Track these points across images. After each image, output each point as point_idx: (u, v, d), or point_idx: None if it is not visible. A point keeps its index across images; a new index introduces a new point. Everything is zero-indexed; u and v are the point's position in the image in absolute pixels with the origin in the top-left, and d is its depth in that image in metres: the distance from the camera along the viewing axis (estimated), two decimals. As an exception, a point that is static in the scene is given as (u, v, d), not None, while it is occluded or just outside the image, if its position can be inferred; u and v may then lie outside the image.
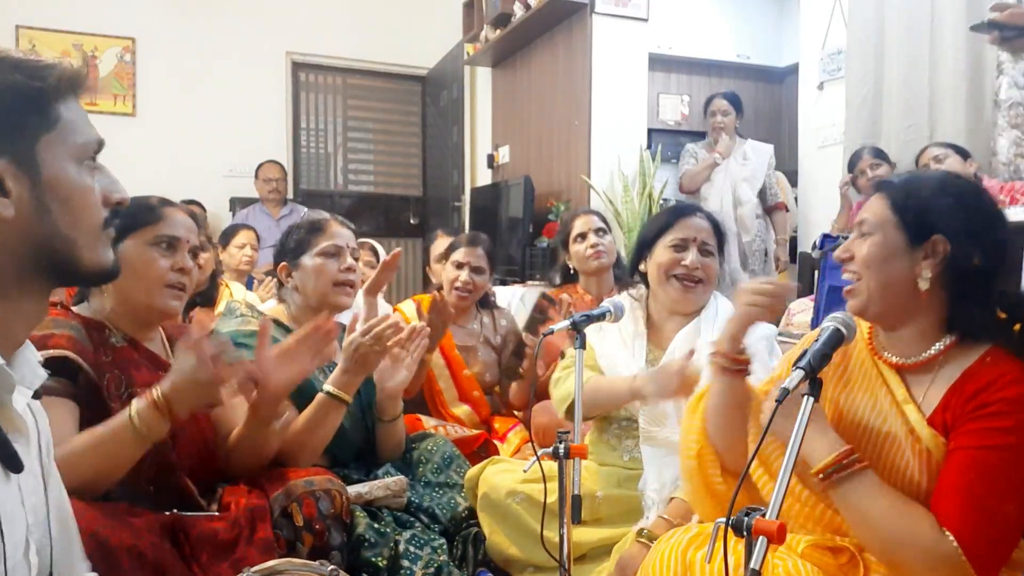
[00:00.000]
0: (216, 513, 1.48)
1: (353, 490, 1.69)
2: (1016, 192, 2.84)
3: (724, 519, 0.95)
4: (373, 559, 1.57)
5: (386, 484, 1.77)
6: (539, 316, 2.73)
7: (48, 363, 1.27)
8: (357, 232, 2.09)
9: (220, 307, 2.85)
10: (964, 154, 3.10)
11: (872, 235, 1.21)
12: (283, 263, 1.96)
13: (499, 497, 1.78)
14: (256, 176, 5.39)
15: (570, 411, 1.83)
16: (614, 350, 1.86)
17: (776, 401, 1.06)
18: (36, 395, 0.88)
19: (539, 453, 1.44)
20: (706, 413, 1.38)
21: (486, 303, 2.84)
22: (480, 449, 2.27)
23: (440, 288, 2.69)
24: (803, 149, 4.26)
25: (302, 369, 1.57)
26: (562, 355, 2.08)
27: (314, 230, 1.94)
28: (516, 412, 2.70)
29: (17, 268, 0.81)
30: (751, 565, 0.91)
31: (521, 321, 2.85)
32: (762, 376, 1.70)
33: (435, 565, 1.63)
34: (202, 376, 1.30)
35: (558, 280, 2.89)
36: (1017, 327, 1.16)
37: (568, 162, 4.48)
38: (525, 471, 1.64)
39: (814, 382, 1.09)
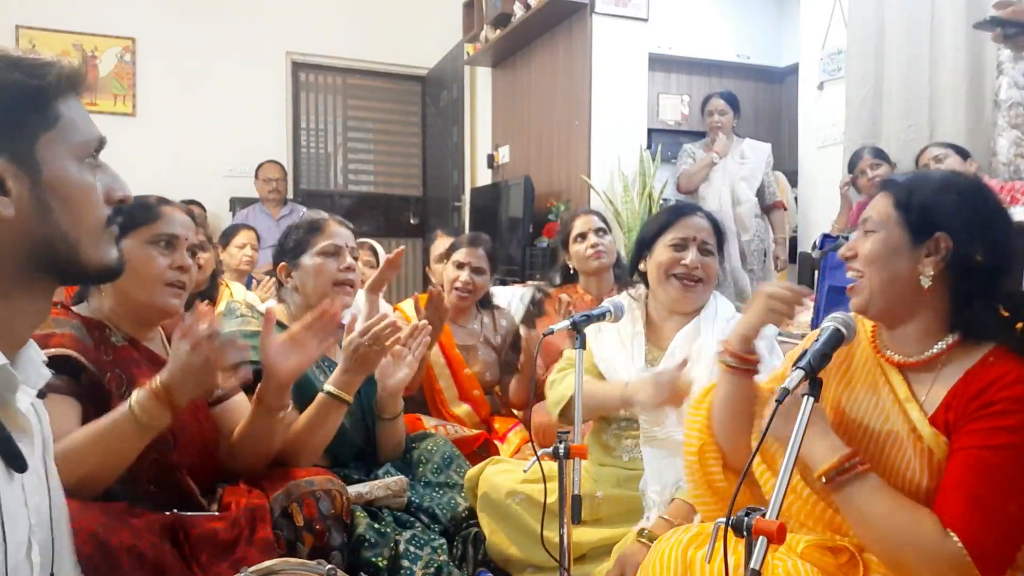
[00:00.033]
0: (216, 513, 1.48)
1: (353, 490, 1.69)
2: (1016, 192, 2.83)
3: (724, 519, 0.95)
4: (373, 559, 1.57)
5: (386, 484, 1.77)
6: (534, 309, 2.73)
7: (51, 361, 1.28)
8: (357, 232, 2.09)
9: (220, 307, 2.85)
10: (964, 154, 3.10)
11: (875, 232, 1.21)
12: (282, 263, 1.96)
13: (499, 497, 1.78)
14: (256, 176, 5.39)
15: (564, 414, 1.84)
16: (612, 352, 1.86)
17: (776, 401, 1.06)
18: (40, 394, 0.88)
19: (539, 453, 1.44)
20: (711, 410, 1.38)
21: (486, 303, 2.84)
22: (480, 449, 2.27)
23: (439, 287, 2.69)
24: (803, 149, 4.26)
25: (309, 355, 1.58)
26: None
27: (313, 230, 1.94)
28: (516, 411, 2.70)
29: (19, 267, 0.81)
30: (751, 565, 0.91)
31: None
32: (762, 376, 1.71)
33: (435, 565, 1.63)
34: (196, 360, 1.30)
35: (558, 280, 2.89)
36: (1020, 326, 1.15)
37: (568, 162, 4.48)
38: (525, 471, 1.64)
39: (814, 382, 1.09)
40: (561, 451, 1.41)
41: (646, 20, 4.27)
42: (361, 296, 2.30)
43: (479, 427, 2.56)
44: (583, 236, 2.74)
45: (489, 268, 2.72)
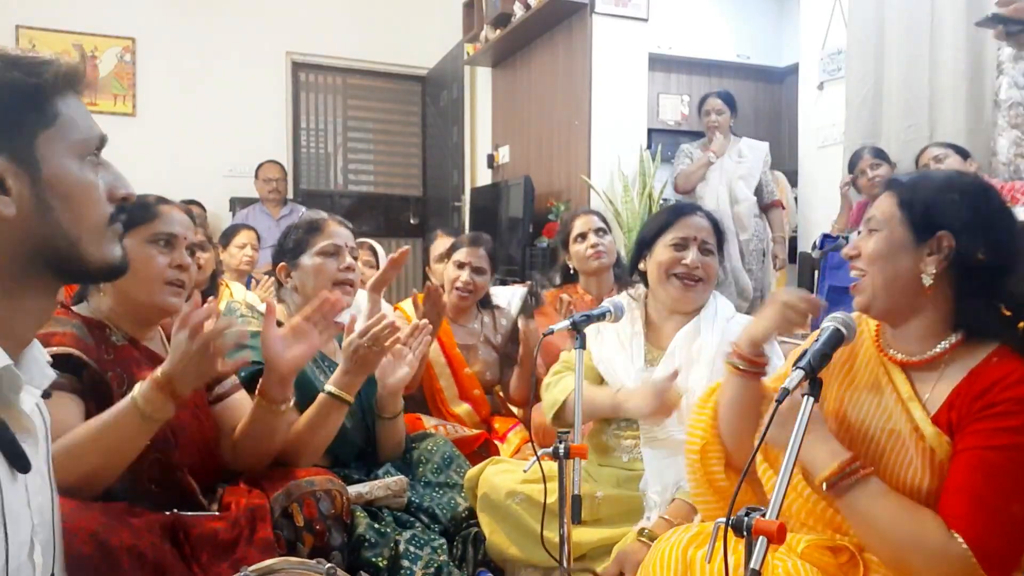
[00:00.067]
0: (216, 513, 1.48)
1: (353, 490, 1.69)
2: (1016, 192, 2.84)
3: (724, 519, 0.95)
4: (373, 559, 1.57)
5: (386, 484, 1.77)
6: (532, 301, 2.72)
7: (53, 359, 1.28)
8: (357, 232, 2.08)
9: (220, 307, 2.85)
10: (964, 154, 3.10)
11: (879, 232, 1.21)
12: (282, 263, 1.96)
13: (499, 497, 1.78)
14: (256, 176, 5.39)
15: (557, 418, 1.84)
16: (611, 352, 1.86)
17: (776, 401, 1.06)
18: (45, 395, 0.88)
19: (539, 453, 1.44)
20: (717, 410, 1.38)
21: (487, 303, 2.84)
22: (480, 449, 2.27)
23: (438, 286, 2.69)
24: (803, 149, 4.26)
25: (310, 346, 1.58)
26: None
27: (312, 230, 1.94)
28: (515, 409, 2.70)
29: (21, 266, 0.80)
30: (751, 565, 0.91)
31: (522, 321, 2.85)
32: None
33: (435, 565, 1.62)
34: (196, 345, 1.30)
35: (558, 280, 2.89)
36: (1022, 325, 1.15)
37: (568, 162, 4.48)
38: (525, 471, 1.64)
39: (814, 382, 1.09)
40: (561, 451, 1.41)
41: (646, 20, 4.28)
42: (361, 296, 2.30)
43: (479, 427, 2.56)
44: (583, 236, 2.74)
45: (490, 268, 2.72)
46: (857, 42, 3.67)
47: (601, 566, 1.63)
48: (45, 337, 1.32)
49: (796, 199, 4.42)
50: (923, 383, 1.19)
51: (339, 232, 1.95)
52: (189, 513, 1.42)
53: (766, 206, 4.12)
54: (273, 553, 1.34)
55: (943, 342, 1.18)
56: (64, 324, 1.39)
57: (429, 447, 1.99)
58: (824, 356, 1.13)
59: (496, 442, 2.43)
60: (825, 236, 3.50)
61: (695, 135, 4.79)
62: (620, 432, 1.83)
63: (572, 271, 2.82)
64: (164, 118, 5.53)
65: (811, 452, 1.15)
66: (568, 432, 1.47)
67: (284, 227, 2.14)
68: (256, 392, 1.57)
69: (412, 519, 1.76)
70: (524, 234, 4.42)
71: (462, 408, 2.62)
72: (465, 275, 2.67)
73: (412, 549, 1.64)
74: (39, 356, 0.87)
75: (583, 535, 1.67)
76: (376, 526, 1.63)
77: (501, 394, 2.76)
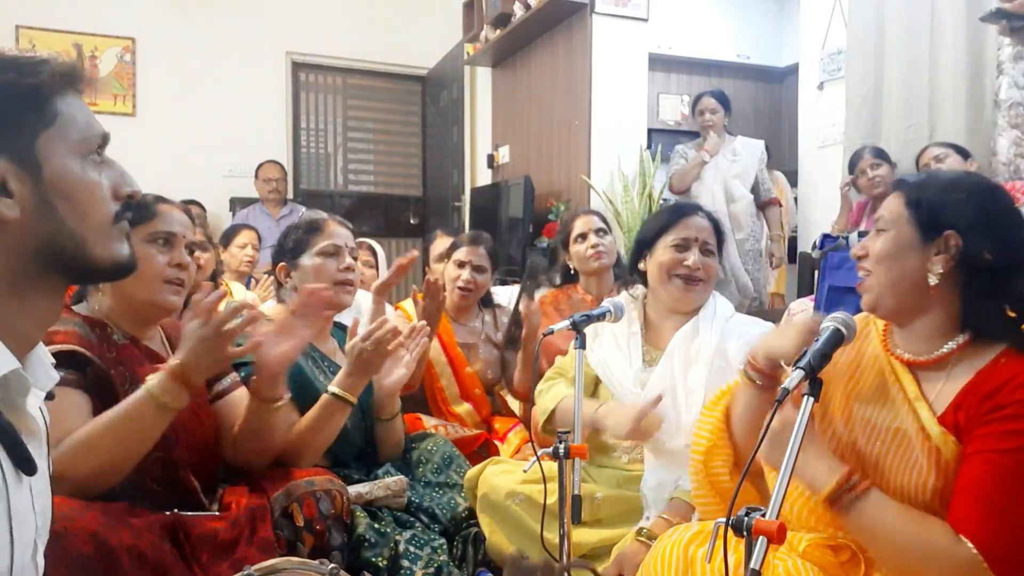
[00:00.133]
0: (217, 513, 1.48)
1: (353, 490, 1.69)
2: (1016, 192, 2.84)
3: (724, 519, 0.95)
4: (373, 559, 1.57)
5: (386, 484, 1.77)
6: (531, 283, 2.72)
7: (57, 357, 1.28)
8: (357, 232, 2.08)
9: (220, 307, 2.85)
10: (964, 154, 3.10)
11: (887, 231, 1.21)
12: (282, 263, 1.96)
13: (499, 498, 1.78)
14: (256, 176, 5.39)
15: (546, 427, 1.84)
16: (608, 355, 1.86)
17: (776, 401, 1.06)
18: (48, 396, 0.88)
19: (539, 453, 1.44)
20: (727, 413, 1.37)
21: (488, 302, 2.84)
22: (480, 449, 2.27)
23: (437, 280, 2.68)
24: (803, 149, 4.26)
25: (299, 341, 1.56)
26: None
27: (312, 230, 1.94)
28: (515, 409, 2.70)
29: (28, 268, 0.80)
30: (751, 565, 0.91)
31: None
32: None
33: (435, 565, 1.63)
34: (208, 332, 1.32)
35: (558, 280, 2.89)
36: None
37: (568, 162, 4.48)
38: (525, 471, 1.64)
39: (814, 382, 1.09)
40: (561, 451, 1.41)
41: (646, 20, 4.28)
42: (361, 295, 2.30)
43: (480, 426, 2.56)
44: (583, 236, 2.74)
45: (490, 266, 2.72)
46: (857, 42, 3.67)
47: (601, 567, 1.63)
48: (48, 336, 1.32)
49: (796, 199, 4.42)
50: (930, 383, 1.19)
51: (339, 232, 1.95)
52: (189, 513, 1.43)
53: (763, 204, 4.12)
54: (273, 553, 1.34)
55: (950, 342, 1.18)
56: (66, 323, 1.40)
57: (429, 447, 1.99)
58: (824, 356, 1.12)
59: (496, 442, 2.43)
60: (825, 236, 3.50)
61: (695, 135, 4.79)
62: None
63: (572, 271, 2.82)
64: (164, 118, 5.53)
65: (809, 470, 1.15)
66: (568, 432, 1.47)
67: (284, 227, 2.14)
68: (250, 391, 1.57)
69: (412, 519, 1.76)
70: (524, 234, 4.42)
71: (463, 408, 2.62)
72: (466, 274, 2.67)
73: (412, 549, 1.64)
74: (43, 357, 0.87)
75: (583, 536, 1.67)
76: (376, 526, 1.63)
77: (502, 393, 2.76)
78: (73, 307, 1.50)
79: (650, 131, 5.02)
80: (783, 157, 5.54)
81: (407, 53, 6.21)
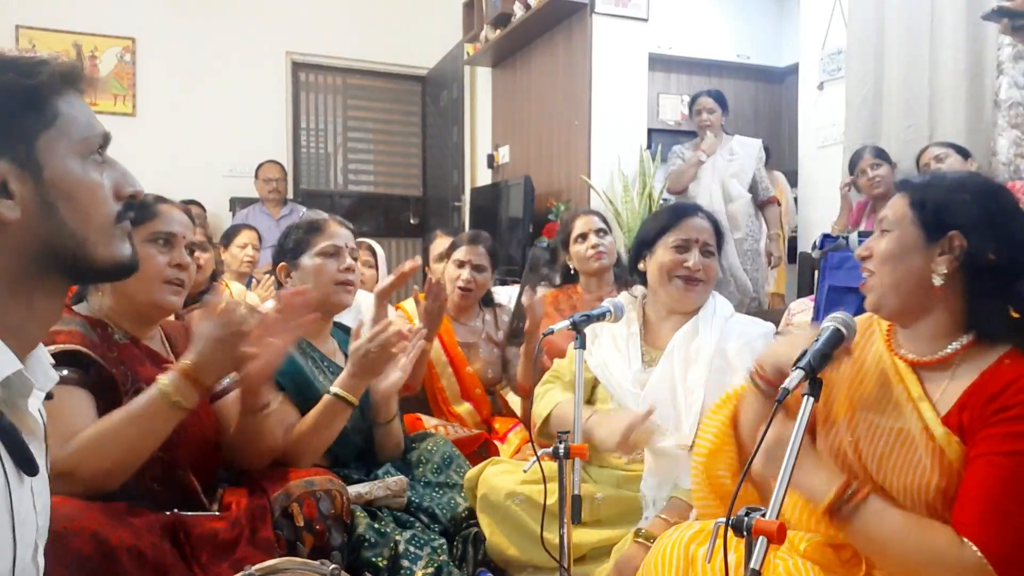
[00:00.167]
0: (217, 513, 1.48)
1: (353, 490, 1.69)
2: (1016, 192, 2.84)
3: (724, 519, 0.95)
4: (373, 559, 1.57)
5: (386, 484, 1.77)
6: (533, 276, 2.72)
7: (60, 356, 1.29)
8: (356, 232, 2.08)
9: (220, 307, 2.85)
10: (964, 154, 3.10)
11: (891, 232, 1.21)
12: (282, 263, 1.96)
13: (498, 498, 1.78)
14: (256, 176, 5.39)
15: (543, 430, 1.84)
16: (607, 355, 1.86)
17: (776, 401, 1.06)
18: (47, 396, 0.88)
19: (539, 453, 1.44)
20: (733, 417, 1.36)
21: (488, 301, 2.84)
22: (480, 449, 2.27)
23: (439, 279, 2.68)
24: (803, 149, 4.26)
25: (283, 343, 1.53)
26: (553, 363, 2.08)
27: (313, 230, 1.94)
28: (516, 409, 2.69)
29: (29, 269, 0.80)
30: (751, 565, 0.91)
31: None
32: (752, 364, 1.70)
33: (435, 565, 1.62)
34: (222, 333, 1.33)
35: (558, 280, 2.89)
36: None
37: (568, 162, 4.48)
38: (525, 471, 1.64)
39: (814, 382, 1.09)
40: (561, 451, 1.41)
41: (646, 20, 4.28)
42: (362, 296, 2.30)
43: (480, 426, 2.56)
44: (584, 236, 2.74)
45: (490, 265, 2.72)
46: (857, 42, 3.67)
47: (601, 567, 1.63)
48: (50, 335, 1.33)
49: (796, 199, 4.42)
50: (933, 383, 1.19)
51: (339, 233, 1.95)
52: (189, 513, 1.43)
53: (762, 203, 4.12)
54: (273, 553, 1.34)
55: (954, 343, 1.18)
56: (68, 323, 1.40)
57: (429, 447, 1.99)
58: (824, 356, 1.12)
59: (496, 442, 2.43)
60: (825, 236, 3.49)
61: (695, 135, 4.80)
62: (620, 432, 1.83)
63: (572, 271, 2.82)
64: (164, 118, 5.53)
65: (808, 481, 1.15)
66: (568, 432, 1.47)
67: (284, 227, 2.13)
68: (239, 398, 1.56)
69: (412, 519, 1.76)
70: (524, 234, 4.42)
71: (463, 408, 2.62)
72: (466, 273, 2.67)
73: (412, 549, 1.64)
74: (43, 358, 0.86)
75: (583, 536, 1.67)
76: (376, 526, 1.63)
77: (503, 393, 2.76)
78: (73, 307, 1.50)
79: (650, 131, 5.02)
80: (783, 157, 5.54)
81: (407, 53, 6.21)
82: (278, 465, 1.63)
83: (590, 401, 1.88)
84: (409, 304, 2.76)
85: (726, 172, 4.02)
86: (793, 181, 4.46)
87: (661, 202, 4.09)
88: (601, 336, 1.89)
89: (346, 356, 1.98)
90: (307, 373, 1.82)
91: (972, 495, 1.08)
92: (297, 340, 1.69)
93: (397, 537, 1.64)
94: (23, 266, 0.79)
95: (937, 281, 1.16)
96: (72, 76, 0.83)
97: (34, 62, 0.80)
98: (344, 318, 2.15)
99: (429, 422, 2.43)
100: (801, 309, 3.04)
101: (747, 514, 0.93)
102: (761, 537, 0.91)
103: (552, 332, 1.64)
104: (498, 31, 4.94)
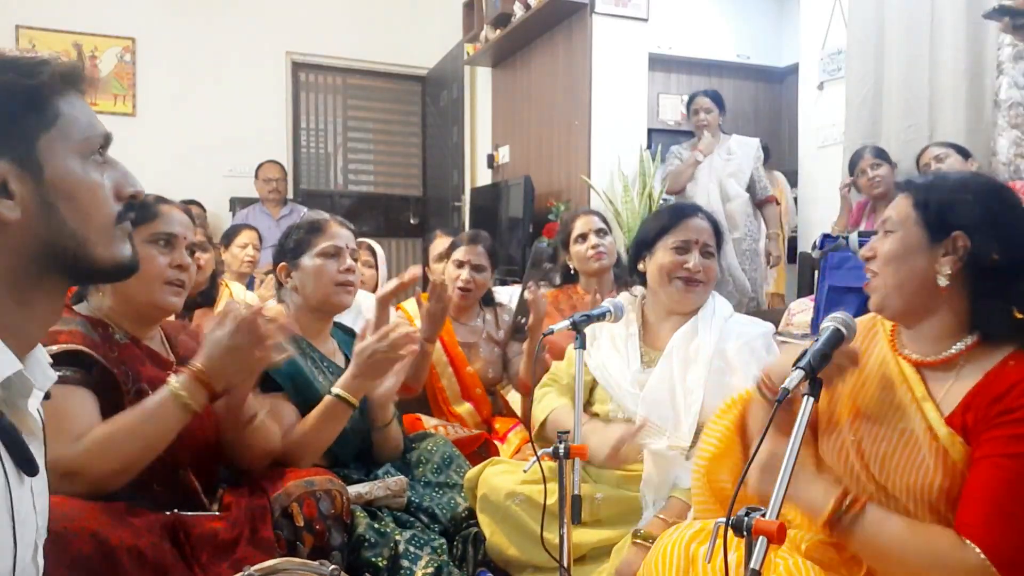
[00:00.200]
0: (217, 513, 1.48)
1: (353, 490, 1.69)
2: (1017, 192, 2.83)
3: (724, 519, 0.95)
4: (373, 559, 1.57)
5: (386, 484, 1.77)
6: (536, 271, 2.71)
7: (63, 356, 1.29)
8: (357, 232, 2.08)
9: (220, 307, 2.85)
10: (965, 154, 3.10)
11: (894, 232, 1.21)
12: (282, 263, 1.96)
13: (498, 498, 1.78)
14: (256, 176, 5.39)
15: (540, 433, 1.85)
16: (606, 356, 1.86)
17: (776, 401, 1.06)
18: (45, 396, 0.88)
19: (539, 453, 1.44)
20: (739, 422, 1.36)
21: (489, 300, 2.84)
22: (480, 449, 2.27)
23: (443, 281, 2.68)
24: (803, 149, 4.26)
25: (256, 368, 1.48)
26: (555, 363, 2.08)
27: (314, 230, 1.94)
28: (516, 408, 2.70)
29: (29, 269, 0.80)
30: (751, 565, 0.91)
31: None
32: (759, 374, 1.70)
33: (435, 565, 1.62)
34: (239, 340, 1.35)
35: (558, 280, 2.89)
36: None
37: (568, 162, 4.48)
38: (525, 471, 1.64)
39: (814, 382, 1.09)
40: (561, 451, 1.41)
41: (646, 20, 4.28)
42: (362, 296, 2.30)
43: (480, 427, 2.56)
44: (584, 237, 2.74)
45: (489, 265, 2.72)
46: (857, 42, 3.67)
47: (601, 567, 1.63)
48: (52, 335, 1.33)
49: (796, 199, 4.42)
50: (937, 383, 1.19)
51: (340, 233, 1.95)
52: (189, 513, 1.43)
53: (760, 202, 4.11)
54: (273, 553, 1.34)
55: (959, 343, 1.18)
56: (69, 323, 1.40)
57: (429, 447, 1.99)
58: (824, 356, 1.12)
59: (496, 442, 2.43)
60: (825, 236, 3.50)
61: (695, 135, 4.80)
62: (620, 432, 1.83)
63: (572, 271, 2.82)
64: (164, 118, 5.53)
65: (805, 495, 1.15)
66: (568, 432, 1.47)
67: (284, 227, 2.13)
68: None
69: (412, 519, 1.76)
70: (524, 234, 4.42)
71: (464, 408, 2.62)
72: (465, 273, 2.67)
73: (412, 549, 1.64)
74: (42, 358, 0.86)
75: (583, 536, 1.67)
76: (376, 526, 1.63)
77: (503, 393, 2.76)
78: (74, 307, 1.50)
79: (650, 131, 5.02)
80: (783, 157, 5.54)
81: (407, 53, 6.21)
82: (278, 465, 1.63)
83: (588, 402, 1.88)
84: (410, 305, 2.76)
85: (724, 172, 4.02)
86: (793, 181, 4.46)
87: (661, 202, 4.09)
88: (600, 337, 1.89)
89: (346, 356, 1.98)
90: (306, 373, 1.82)
91: (976, 497, 1.08)
92: (297, 340, 1.69)
93: (397, 537, 1.64)
94: (23, 266, 0.79)
95: (942, 282, 1.16)
96: (73, 76, 0.83)
97: (35, 62, 0.80)
98: (344, 318, 2.15)
99: (429, 422, 2.43)
100: (801, 309, 3.04)
101: (747, 514, 0.93)
102: (761, 537, 0.91)
103: (552, 332, 1.64)
104: (498, 31, 4.94)
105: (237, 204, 5.54)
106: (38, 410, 0.86)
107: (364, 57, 6.18)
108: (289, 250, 1.95)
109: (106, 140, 0.86)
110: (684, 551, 1.22)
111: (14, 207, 0.77)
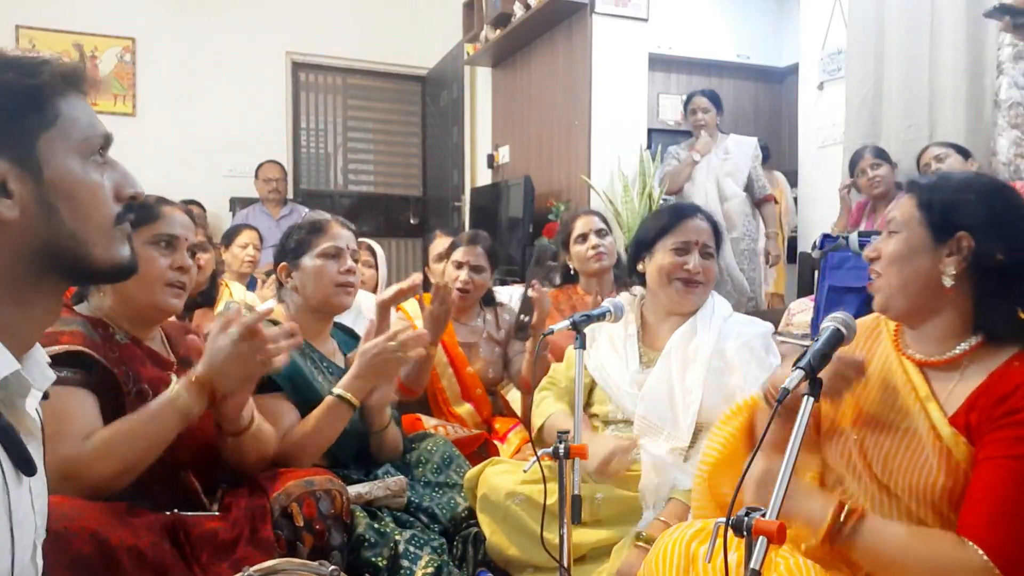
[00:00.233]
0: (217, 513, 1.48)
1: (353, 490, 1.69)
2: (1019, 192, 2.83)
3: (724, 519, 0.95)
4: (373, 559, 1.57)
5: (386, 484, 1.77)
6: (540, 269, 2.71)
7: (64, 357, 1.29)
8: (357, 232, 2.08)
9: (219, 307, 2.85)
10: (965, 154, 3.10)
11: (898, 233, 1.21)
12: (283, 263, 1.96)
13: (498, 498, 1.78)
14: (256, 176, 5.39)
15: (537, 439, 1.86)
16: (604, 357, 1.86)
17: (776, 401, 1.06)
18: (44, 395, 0.88)
19: (539, 453, 1.44)
20: (744, 429, 1.35)
21: (489, 300, 2.84)
22: (480, 449, 2.27)
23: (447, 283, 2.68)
24: (803, 149, 4.26)
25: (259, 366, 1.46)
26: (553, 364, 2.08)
27: (315, 231, 1.94)
28: (516, 408, 2.70)
29: (27, 269, 0.80)
30: (751, 565, 0.91)
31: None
32: (758, 374, 1.70)
33: (435, 565, 1.62)
34: (242, 348, 1.36)
35: (558, 280, 2.89)
36: None
37: (568, 162, 4.48)
38: (525, 471, 1.64)
39: (814, 382, 1.09)
40: (561, 451, 1.41)
41: (646, 20, 4.27)
42: (362, 296, 2.30)
43: (480, 427, 2.56)
44: (584, 237, 2.74)
45: (489, 266, 2.72)
46: (857, 42, 3.67)
47: (601, 567, 1.63)
48: (53, 336, 1.33)
49: (796, 199, 4.42)
50: (941, 383, 1.19)
51: (341, 234, 1.95)
52: (189, 513, 1.43)
53: (758, 201, 4.11)
54: (273, 553, 1.34)
55: (963, 343, 1.18)
56: (70, 323, 1.40)
57: (429, 447, 1.99)
58: (824, 356, 1.12)
59: (496, 442, 2.43)
60: (825, 236, 3.50)
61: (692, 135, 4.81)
62: (619, 432, 1.83)
63: (572, 272, 2.82)
64: (164, 118, 5.53)
65: (802, 510, 1.15)
66: (568, 432, 1.47)
67: (284, 227, 2.14)
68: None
69: (412, 519, 1.76)
70: (524, 234, 4.42)
71: (464, 408, 2.62)
72: (463, 274, 2.67)
73: (412, 549, 1.64)
74: (40, 358, 0.86)
75: (583, 536, 1.67)
76: (376, 526, 1.63)
77: (503, 393, 2.76)
78: (75, 307, 1.50)
79: (650, 131, 5.02)
80: (783, 157, 5.54)
81: (407, 53, 6.21)
82: (278, 465, 1.63)
83: (587, 404, 1.88)
84: (410, 306, 2.76)
85: (721, 171, 4.02)
86: (793, 181, 4.46)
87: (661, 202, 4.09)
88: (599, 338, 1.89)
89: (345, 356, 1.98)
90: (306, 373, 1.82)
91: (979, 498, 1.08)
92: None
93: (397, 537, 1.64)
94: (21, 266, 0.79)
95: (947, 282, 1.16)
96: (74, 77, 0.83)
97: (36, 62, 0.80)
98: (344, 319, 2.15)
99: (428, 422, 2.43)
100: (801, 309, 3.04)
101: (747, 514, 0.93)
102: (761, 537, 0.91)
103: (552, 332, 1.64)
104: (498, 31, 4.94)
105: (237, 204, 5.54)
106: (37, 410, 0.86)
107: (364, 57, 6.18)
108: (290, 250, 1.95)
109: (106, 141, 0.86)
110: (684, 550, 1.22)
111: (13, 206, 0.77)
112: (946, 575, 1.06)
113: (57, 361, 0.94)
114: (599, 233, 2.74)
